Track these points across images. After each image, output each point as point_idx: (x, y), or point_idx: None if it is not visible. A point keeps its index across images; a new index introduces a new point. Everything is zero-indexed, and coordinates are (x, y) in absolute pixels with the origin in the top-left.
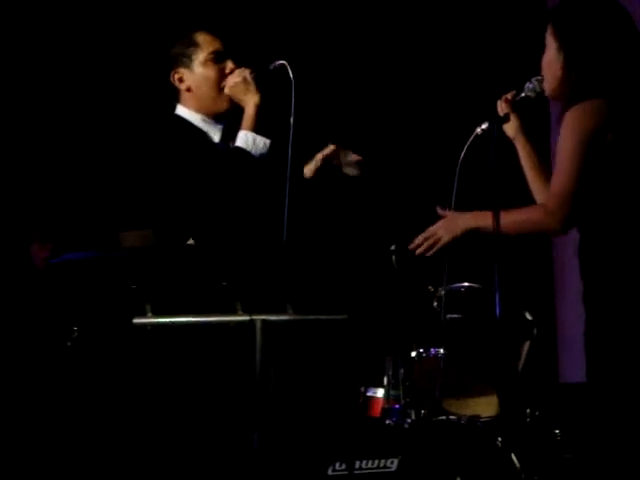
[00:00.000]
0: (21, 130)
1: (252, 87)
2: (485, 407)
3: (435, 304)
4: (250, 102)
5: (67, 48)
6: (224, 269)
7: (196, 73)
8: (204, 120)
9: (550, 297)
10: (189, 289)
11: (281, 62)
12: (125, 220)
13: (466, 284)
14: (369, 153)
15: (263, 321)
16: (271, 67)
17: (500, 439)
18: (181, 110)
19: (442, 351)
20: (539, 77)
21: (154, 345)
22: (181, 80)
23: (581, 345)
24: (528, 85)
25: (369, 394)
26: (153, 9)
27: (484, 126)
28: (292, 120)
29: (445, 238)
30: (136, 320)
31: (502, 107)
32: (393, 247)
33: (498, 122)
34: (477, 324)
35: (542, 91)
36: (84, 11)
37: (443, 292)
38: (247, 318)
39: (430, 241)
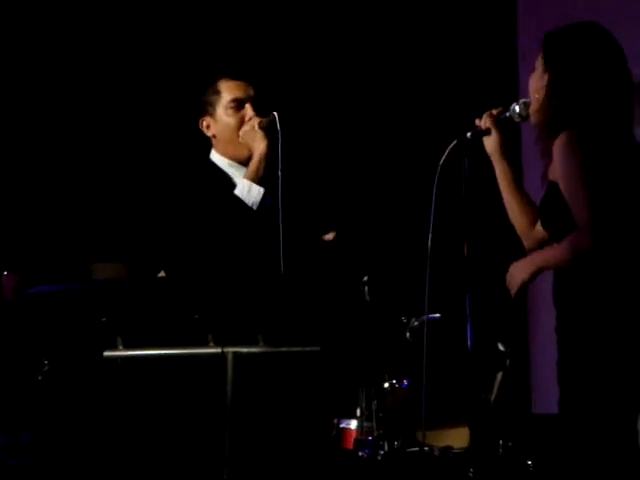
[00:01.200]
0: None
1: (259, 135)
2: (458, 438)
3: (408, 335)
4: (256, 151)
5: (104, 82)
6: (195, 301)
7: (218, 121)
8: (230, 165)
9: (523, 328)
10: (160, 321)
11: (272, 114)
12: (97, 252)
13: (438, 315)
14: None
15: (234, 353)
16: (269, 117)
17: (472, 470)
18: (214, 155)
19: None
20: (527, 100)
21: (125, 378)
22: (208, 127)
23: (554, 376)
24: (514, 107)
25: (342, 426)
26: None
27: (467, 135)
28: (280, 172)
29: (513, 291)
30: (107, 353)
31: (485, 121)
32: (365, 278)
33: (479, 135)
34: (449, 355)
35: (527, 115)
36: (125, 50)
37: (416, 323)
38: (219, 350)
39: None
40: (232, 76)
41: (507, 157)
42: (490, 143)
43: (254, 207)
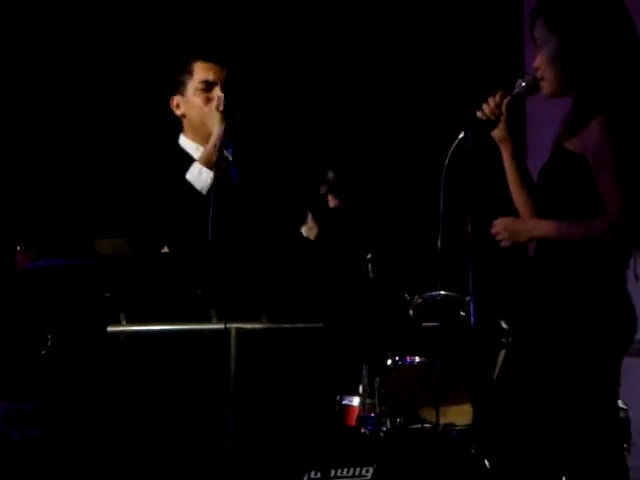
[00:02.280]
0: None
1: (217, 118)
2: (460, 415)
3: (411, 312)
4: (213, 133)
5: (76, 70)
6: (199, 277)
7: (187, 101)
8: (198, 149)
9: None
10: (163, 297)
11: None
12: (100, 228)
13: (442, 292)
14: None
15: (238, 329)
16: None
17: (475, 447)
18: (182, 139)
19: (418, 359)
20: (530, 74)
21: (128, 353)
22: (177, 106)
23: None
24: (520, 82)
25: (345, 402)
26: (172, 30)
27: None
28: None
29: (506, 243)
30: (110, 328)
31: (492, 109)
32: (369, 256)
33: (488, 126)
34: (453, 332)
35: (536, 87)
36: (98, 34)
37: (419, 300)
38: (222, 326)
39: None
40: (206, 58)
41: (517, 142)
42: (499, 131)
43: (203, 191)
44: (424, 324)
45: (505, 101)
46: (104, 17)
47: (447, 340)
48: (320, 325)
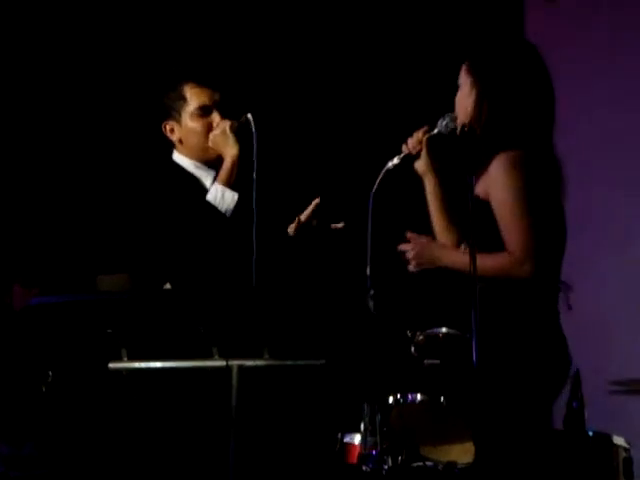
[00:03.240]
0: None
1: (230, 140)
2: (462, 454)
3: (413, 349)
4: (227, 155)
5: (66, 86)
6: (201, 314)
7: (184, 126)
8: (197, 166)
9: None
10: (165, 334)
11: (246, 116)
12: (102, 263)
13: (444, 330)
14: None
15: (239, 366)
16: (241, 119)
17: None
18: (177, 156)
19: (420, 397)
20: (452, 114)
21: (130, 390)
22: (172, 131)
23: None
24: (441, 122)
25: (346, 440)
26: (154, 52)
27: (395, 161)
28: (254, 175)
29: (412, 268)
30: (112, 365)
31: (415, 145)
32: (371, 292)
33: (408, 159)
34: (455, 370)
35: (455, 128)
36: (85, 53)
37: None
38: (223, 363)
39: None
40: (197, 81)
41: (438, 176)
42: (420, 165)
43: (227, 214)
44: (426, 361)
45: (425, 138)
46: (88, 41)
47: (449, 378)
48: (322, 362)
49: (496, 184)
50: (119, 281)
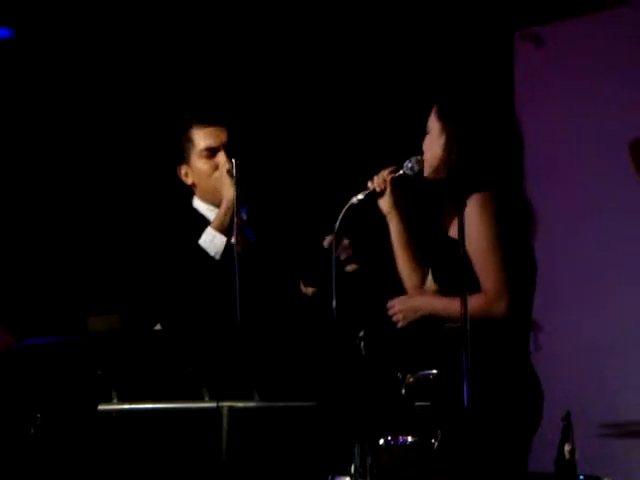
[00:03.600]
0: None
1: (227, 182)
2: None
3: (404, 391)
4: (224, 198)
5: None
6: (191, 355)
7: (194, 169)
8: (211, 210)
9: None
10: (156, 375)
11: (231, 161)
12: (92, 304)
13: (435, 371)
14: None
15: (230, 408)
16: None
17: None
18: (196, 200)
19: (410, 439)
20: (419, 157)
21: (120, 432)
22: (186, 175)
23: (551, 430)
24: (407, 164)
25: None
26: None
27: (360, 197)
28: (235, 218)
29: (403, 323)
30: (101, 406)
31: (379, 183)
32: (361, 333)
33: (372, 196)
34: (445, 412)
35: (421, 170)
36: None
37: (411, 379)
38: (214, 405)
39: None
40: (204, 122)
41: (402, 216)
42: (385, 203)
43: (217, 256)
44: (417, 403)
45: (389, 177)
46: (100, 79)
47: (440, 420)
48: (312, 404)
49: (469, 224)
50: (109, 322)
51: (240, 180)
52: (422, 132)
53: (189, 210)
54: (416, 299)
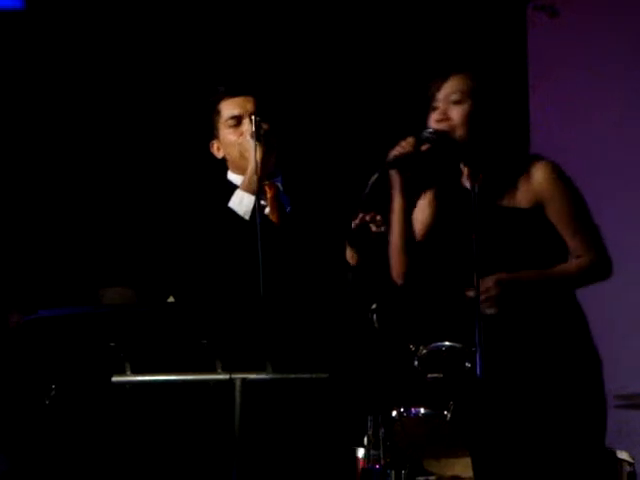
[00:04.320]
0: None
1: (250, 145)
2: (466, 467)
3: (416, 363)
4: (249, 160)
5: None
6: (204, 327)
7: (223, 141)
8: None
9: None
10: (169, 347)
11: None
12: (105, 276)
13: (447, 343)
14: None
15: (243, 380)
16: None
17: None
18: (230, 175)
19: (423, 410)
20: (431, 128)
21: (133, 404)
22: (218, 149)
23: None
24: (424, 133)
25: None
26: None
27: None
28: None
29: (494, 311)
30: (115, 378)
31: (405, 144)
32: (374, 306)
33: (398, 162)
34: (458, 384)
35: (437, 135)
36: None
37: (424, 351)
38: (227, 377)
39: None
40: (230, 93)
41: (407, 194)
42: (395, 178)
43: (246, 216)
44: (429, 375)
45: (413, 140)
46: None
47: (453, 391)
48: (325, 376)
49: (553, 194)
50: (122, 294)
51: (264, 137)
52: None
53: (224, 183)
54: (507, 279)
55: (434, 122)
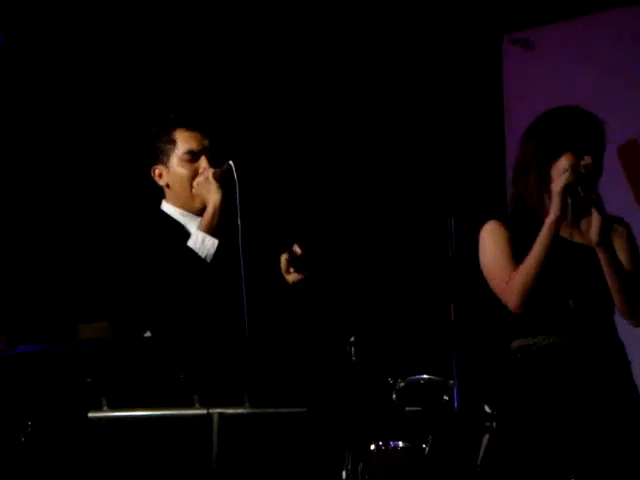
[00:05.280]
0: None
1: (213, 187)
2: None
3: (394, 396)
4: (210, 202)
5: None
6: (181, 362)
7: (172, 171)
8: (183, 214)
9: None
10: (146, 382)
11: (228, 162)
12: (82, 311)
13: (425, 376)
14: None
15: (220, 414)
16: (223, 167)
17: None
18: (164, 205)
19: (401, 444)
20: None
21: (110, 440)
22: (160, 176)
23: None
24: None
25: None
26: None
27: None
28: (239, 221)
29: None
30: (91, 414)
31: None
32: (352, 339)
33: None
34: (436, 417)
35: None
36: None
37: (402, 384)
38: (204, 412)
39: None
40: (188, 126)
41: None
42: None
43: (207, 259)
44: (407, 408)
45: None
46: (78, 82)
47: (431, 425)
48: (303, 410)
49: (627, 251)
50: (99, 329)
51: (227, 182)
52: (409, 133)
53: (159, 214)
54: None
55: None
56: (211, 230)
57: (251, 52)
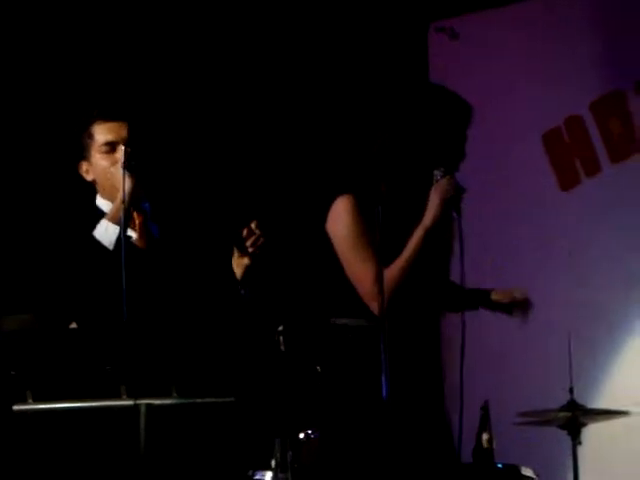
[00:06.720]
0: None
1: (118, 175)
2: None
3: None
4: (119, 189)
5: None
6: (108, 353)
7: (94, 165)
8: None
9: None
10: (72, 374)
11: (123, 148)
12: (5, 304)
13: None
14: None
15: (148, 405)
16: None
17: None
18: (98, 199)
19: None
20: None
21: (36, 432)
22: (87, 172)
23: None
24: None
25: (257, 477)
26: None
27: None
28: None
29: None
30: (16, 407)
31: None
32: (280, 328)
33: None
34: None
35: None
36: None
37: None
38: (131, 402)
39: None
40: (104, 117)
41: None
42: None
43: (110, 247)
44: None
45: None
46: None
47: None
48: (231, 399)
49: None
50: (23, 321)
51: (133, 168)
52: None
53: (92, 208)
54: None
55: None
56: (115, 218)
57: (164, 37)
